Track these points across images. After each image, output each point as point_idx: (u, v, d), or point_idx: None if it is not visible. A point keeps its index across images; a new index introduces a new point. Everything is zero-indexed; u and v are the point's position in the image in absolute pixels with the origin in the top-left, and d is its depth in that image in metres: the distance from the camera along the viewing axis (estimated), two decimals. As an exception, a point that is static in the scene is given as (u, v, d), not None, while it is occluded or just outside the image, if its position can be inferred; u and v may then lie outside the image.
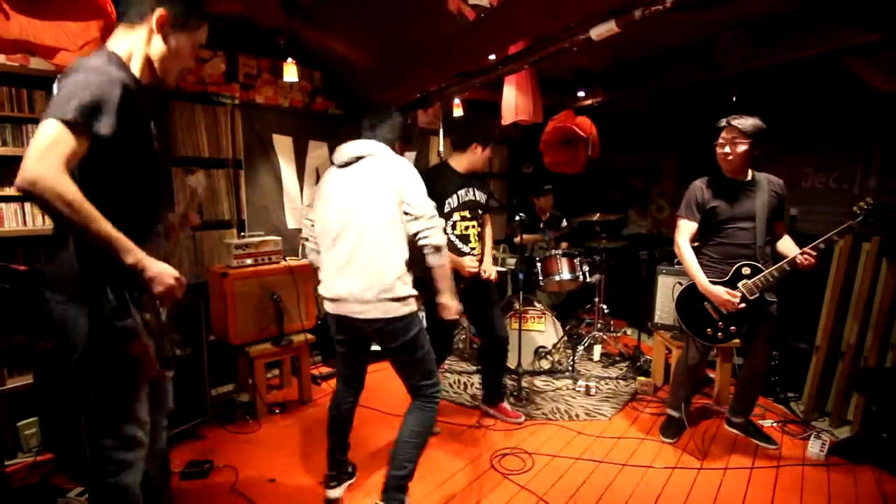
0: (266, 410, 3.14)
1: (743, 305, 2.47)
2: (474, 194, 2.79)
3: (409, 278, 1.99)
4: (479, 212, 2.85)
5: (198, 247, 3.42)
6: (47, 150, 1.14)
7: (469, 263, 2.75)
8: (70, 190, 1.14)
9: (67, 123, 1.17)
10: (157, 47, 1.39)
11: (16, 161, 2.27)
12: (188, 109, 3.31)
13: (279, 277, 3.23)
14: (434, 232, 1.94)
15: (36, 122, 2.65)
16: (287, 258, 3.36)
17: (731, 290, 2.47)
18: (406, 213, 1.95)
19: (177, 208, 1.82)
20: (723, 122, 2.50)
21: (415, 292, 2.00)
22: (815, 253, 2.36)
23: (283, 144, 3.80)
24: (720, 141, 2.50)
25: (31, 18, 2.12)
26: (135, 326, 1.33)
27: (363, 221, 1.96)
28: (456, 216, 2.74)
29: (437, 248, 1.95)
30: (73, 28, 2.04)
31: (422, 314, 2.15)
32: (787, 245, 2.58)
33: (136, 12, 1.36)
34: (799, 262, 2.38)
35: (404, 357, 2.06)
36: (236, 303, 3.04)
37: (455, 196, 2.72)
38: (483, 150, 2.76)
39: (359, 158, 2.07)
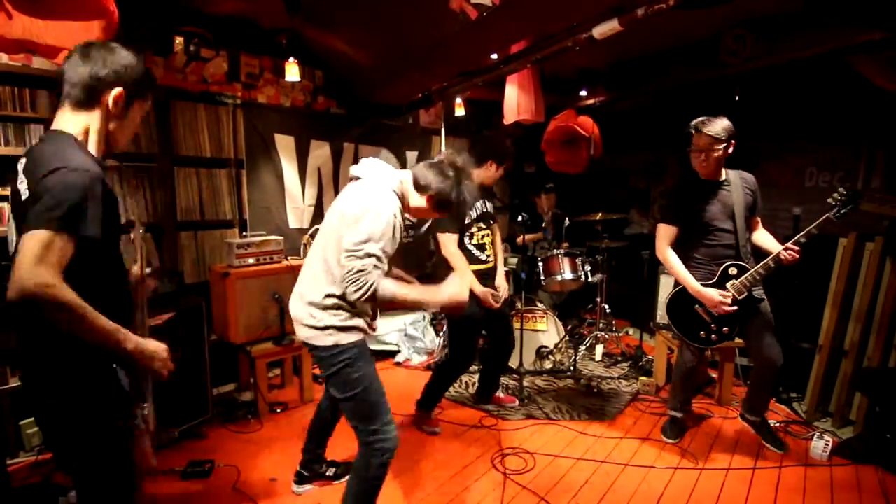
0: (268, 410, 3.14)
1: (734, 308, 2.46)
2: (486, 206, 2.95)
3: (334, 311, 1.83)
4: (491, 221, 2.99)
5: (199, 246, 3.42)
6: (39, 259, 1.12)
7: (489, 299, 2.81)
8: (67, 297, 1.13)
9: (57, 231, 1.15)
10: (113, 126, 1.38)
11: (18, 160, 2.23)
12: (190, 109, 3.31)
13: (281, 277, 3.23)
14: (353, 281, 1.69)
15: (38, 121, 2.67)
16: (289, 258, 3.36)
17: (722, 292, 2.47)
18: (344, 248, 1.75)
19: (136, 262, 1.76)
20: (690, 130, 2.49)
21: (346, 324, 1.83)
22: (797, 248, 2.37)
23: (284, 144, 3.80)
24: (694, 149, 2.50)
25: (33, 18, 2.12)
26: (138, 425, 1.35)
27: (317, 241, 1.94)
28: (474, 227, 2.87)
29: (356, 293, 1.70)
30: (75, 27, 2.04)
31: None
32: (764, 237, 2.60)
33: (88, 96, 1.32)
34: (783, 258, 2.39)
35: (335, 391, 1.89)
36: (238, 302, 3.05)
37: (474, 209, 2.86)
38: (497, 169, 2.88)
39: (353, 179, 2.00)
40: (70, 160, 1.23)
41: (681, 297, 2.61)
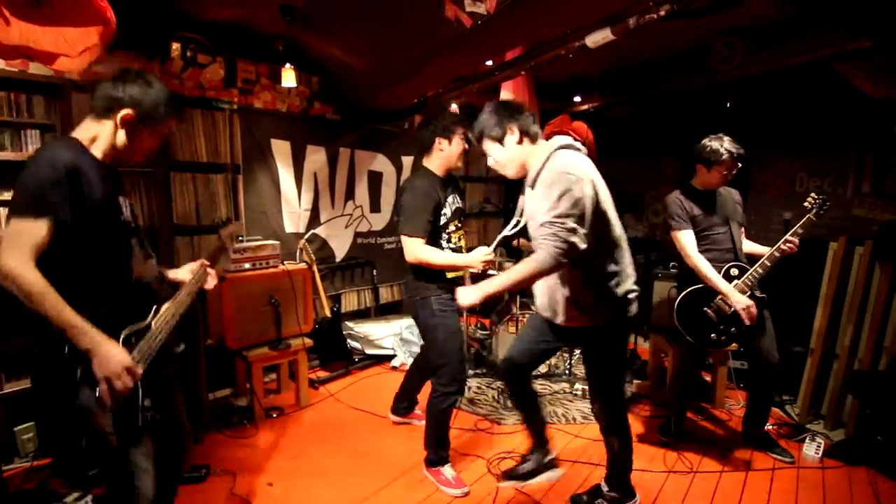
0: (264, 415, 3.14)
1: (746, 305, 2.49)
2: (457, 201, 2.59)
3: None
4: (462, 218, 2.67)
5: (196, 251, 3.43)
6: (9, 244, 1.29)
7: (475, 263, 2.43)
8: (33, 282, 1.28)
9: (25, 218, 1.31)
10: (121, 140, 1.52)
11: (15, 166, 2.32)
12: (187, 115, 3.32)
13: (277, 281, 3.23)
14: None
15: (35, 126, 2.68)
16: (285, 262, 3.36)
17: (750, 299, 2.48)
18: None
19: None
20: (724, 154, 2.54)
21: None
22: (795, 239, 2.47)
23: (281, 149, 3.81)
24: (724, 170, 2.57)
25: (30, 24, 2.13)
26: (86, 404, 1.38)
27: None
28: (451, 226, 2.53)
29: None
30: (72, 34, 2.05)
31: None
32: (750, 244, 2.74)
33: (102, 108, 1.49)
34: (784, 249, 2.47)
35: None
36: (234, 307, 3.05)
37: (447, 205, 2.49)
38: (449, 143, 2.45)
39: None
40: (39, 155, 1.39)
41: (690, 300, 2.64)
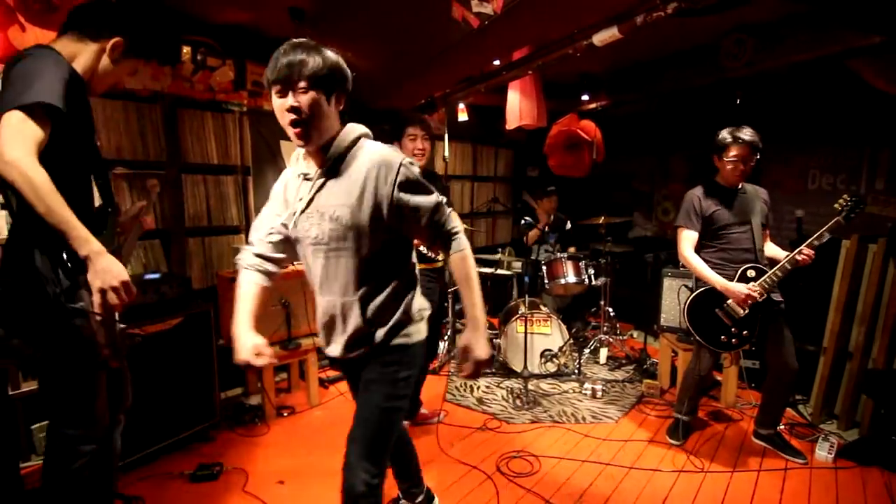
0: (275, 413, 3.17)
1: (758, 296, 2.46)
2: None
3: None
4: None
5: (207, 252, 3.47)
6: (15, 135, 1.23)
7: None
8: (39, 172, 1.23)
9: (26, 110, 1.26)
10: (104, 65, 1.50)
11: None
12: (197, 117, 3.37)
13: (287, 282, 3.25)
14: None
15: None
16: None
17: (749, 286, 2.47)
18: None
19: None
20: (728, 139, 2.51)
21: None
22: (811, 250, 2.42)
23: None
24: (732, 158, 2.51)
25: (44, 30, 2.18)
26: (85, 307, 1.40)
27: None
28: None
29: None
30: (86, 39, 2.08)
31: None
32: (772, 248, 2.68)
33: (91, 31, 1.47)
34: (799, 259, 2.43)
35: None
36: (245, 307, 3.08)
37: None
38: (401, 146, 2.55)
39: None
40: (39, 52, 1.38)
41: (701, 301, 2.62)
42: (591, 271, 4.11)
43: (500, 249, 4.99)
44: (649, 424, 3.10)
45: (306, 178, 1.49)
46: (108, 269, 1.33)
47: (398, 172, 1.38)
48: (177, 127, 3.26)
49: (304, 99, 1.32)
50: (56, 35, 1.51)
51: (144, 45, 1.53)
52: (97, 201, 1.61)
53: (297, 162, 1.56)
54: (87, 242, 1.30)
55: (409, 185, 1.40)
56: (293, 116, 1.33)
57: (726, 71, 3.30)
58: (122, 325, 1.55)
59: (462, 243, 1.51)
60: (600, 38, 2.48)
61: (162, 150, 3.21)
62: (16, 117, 1.25)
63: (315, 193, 1.45)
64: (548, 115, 3.91)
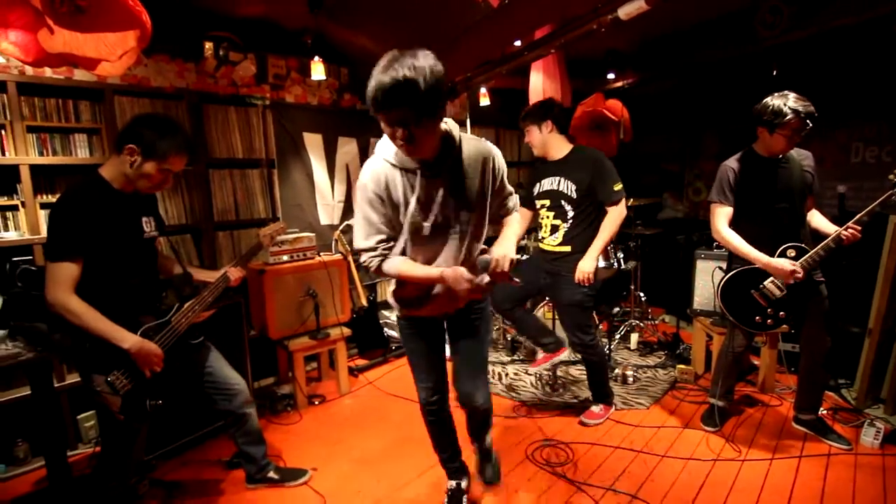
0: (306, 402, 3.23)
1: (800, 275, 2.32)
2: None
3: None
4: None
5: (236, 245, 3.53)
6: (52, 283, 1.70)
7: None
8: (76, 307, 1.70)
9: (59, 262, 1.70)
10: (129, 171, 1.83)
11: (65, 169, 2.57)
12: (222, 112, 3.41)
13: (314, 273, 3.30)
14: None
15: (81, 131, 2.81)
16: (321, 253, 3.43)
17: (792, 262, 2.34)
18: None
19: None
20: (787, 112, 2.26)
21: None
22: (859, 227, 2.25)
23: (313, 142, 3.86)
24: (788, 132, 2.29)
25: (73, 32, 2.21)
26: (97, 388, 1.80)
27: None
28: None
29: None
30: (111, 39, 2.11)
31: None
32: (817, 219, 2.50)
33: (116, 144, 1.84)
34: (844, 237, 2.28)
35: None
36: (274, 298, 3.14)
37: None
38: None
39: None
40: (62, 201, 1.75)
41: (735, 281, 2.51)
42: (621, 255, 4.02)
43: (525, 235, 4.92)
44: (683, 411, 3.03)
45: (412, 171, 1.62)
46: (142, 355, 1.81)
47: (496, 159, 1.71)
48: (202, 122, 3.31)
49: (416, 131, 1.44)
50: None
51: (156, 148, 1.81)
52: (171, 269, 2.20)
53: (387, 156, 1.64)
54: (122, 341, 1.76)
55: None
56: (403, 142, 1.47)
57: (761, 41, 3.13)
58: (152, 402, 1.91)
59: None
60: (626, 10, 2.37)
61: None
62: (49, 267, 1.71)
63: (439, 186, 1.63)
64: (572, 96, 3.81)
